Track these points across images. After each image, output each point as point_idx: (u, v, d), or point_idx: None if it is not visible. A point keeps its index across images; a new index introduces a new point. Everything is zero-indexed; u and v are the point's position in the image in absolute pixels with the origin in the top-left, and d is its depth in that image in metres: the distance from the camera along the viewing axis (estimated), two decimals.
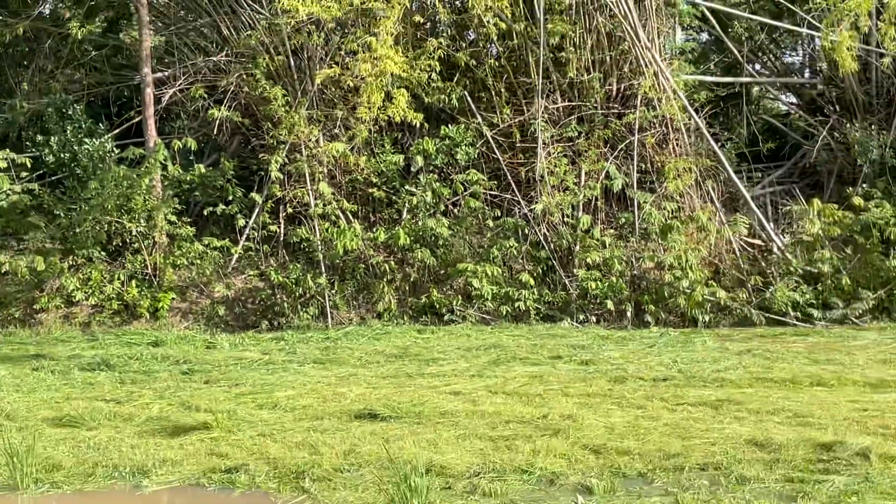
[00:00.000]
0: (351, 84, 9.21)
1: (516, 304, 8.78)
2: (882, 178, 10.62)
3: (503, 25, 9.78)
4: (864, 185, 10.35)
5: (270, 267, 9.15)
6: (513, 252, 9.64)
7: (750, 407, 4.50)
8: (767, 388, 5.16)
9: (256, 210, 9.56)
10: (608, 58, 9.89)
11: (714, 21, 10.76)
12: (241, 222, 9.72)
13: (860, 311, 9.25)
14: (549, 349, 7.05)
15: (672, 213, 9.75)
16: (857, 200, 10.04)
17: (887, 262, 9.33)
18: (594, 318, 9.34)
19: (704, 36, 11.76)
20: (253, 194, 9.70)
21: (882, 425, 3.98)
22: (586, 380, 5.61)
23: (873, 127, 10.44)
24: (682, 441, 3.65)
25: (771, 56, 12.61)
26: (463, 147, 10.03)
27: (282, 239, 9.43)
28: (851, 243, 10.01)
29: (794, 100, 12.02)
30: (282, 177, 8.99)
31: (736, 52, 10.67)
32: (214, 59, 10.35)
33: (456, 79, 10.04)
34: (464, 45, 9.72)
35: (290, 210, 9.11)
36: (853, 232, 9.95)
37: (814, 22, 9.90)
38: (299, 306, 9.45)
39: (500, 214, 9.66)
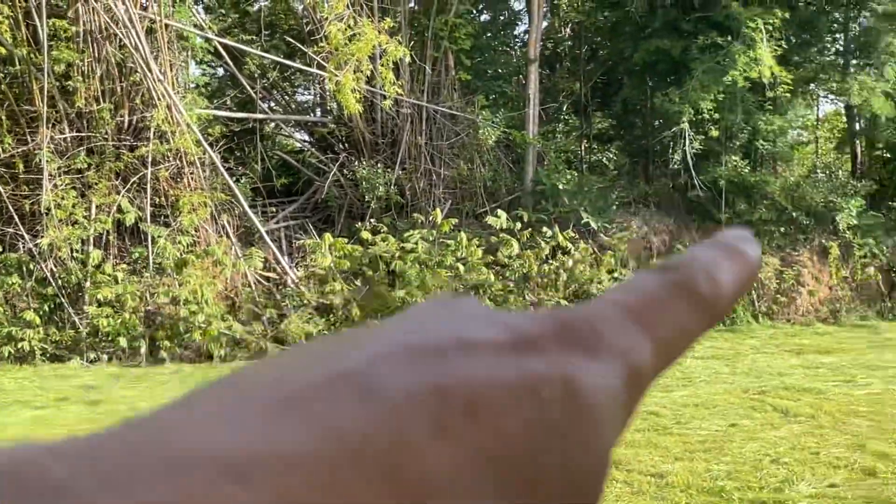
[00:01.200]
0: None
1: (20, 345, 15.09)
2: (388, 213, 21.80)
3: (3, 50, 17.52)
4: (372, 220, 21.07)
5: None
6: (16, 289, 16.70)
7: None
8: None
9: None
10: (119, 89, 18.45)
11: (228, 57, 21.03)
12: None
13: None
14: (55, 391, 12.88)
15: (187, 248, 17.94)
16: (366, 234, 20.44)
17: (393, 292, 20.58)
18: (106, 357, 17.40)
19: (220, 71, 22.01)
20: None
21: None
22: (95, 421, 9.66)
23: (379, 165, 21.51)
24: None
25: (285, 94, 22.32)
26: None
27: None
28: (361, 275, 21.09)
29: (307, 137, 23.10)
30: None
31: (249, 88, 21.13)
32: None
33: None
34: None
35: None
36: (362, 265, 20.88)
37: (323, 63, 20.67)
38: None
39: (2, 250, 16.50)
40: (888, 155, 25.50)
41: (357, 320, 18.32)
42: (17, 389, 13.44)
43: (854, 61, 25.09)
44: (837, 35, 25.74)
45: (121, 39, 17.08)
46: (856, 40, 25.10)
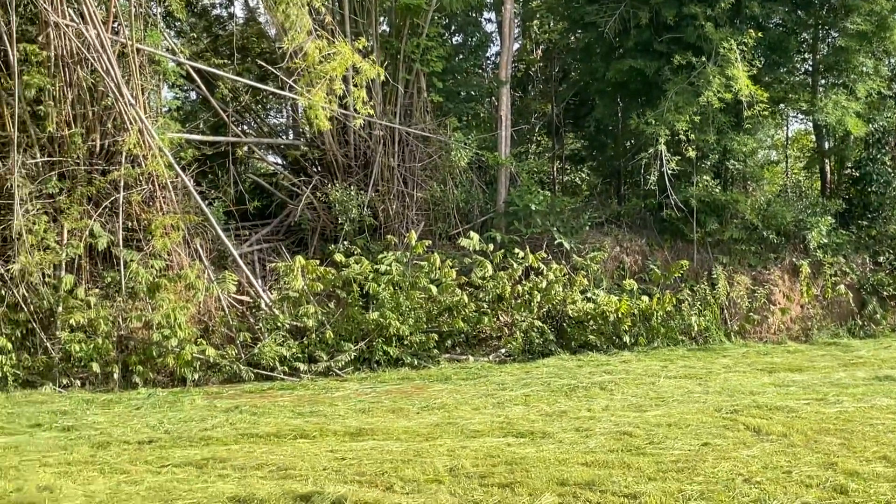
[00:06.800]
0: None
1: None
2: (361, 235, 21.90)
3: None
4: (345, 243, 20.82)
5: None
6: None
7: (234, 464, 8.83)
8: (253, 444, 10.26)
9: None
10: (91, 113, 18.59)
11: (200, 81, 21.35)
12: None
13: (343, 363, 19.58)
14: (27, 417, 12.96)
15: (160, 272, 17.64)
16: (339, 257, 20.02)
17: (366, 315, 20.27)
18: (79, 382, 16.07)
19: (193, 95, 22.35)
20: None
21: (358, 472, 8.27)
22: (67, 447, 10.21)
23: (352, 187, 21.95)
24: None
25: (257, 117, 22.57)
26: None
27: None
28: (334, 298, 20.81)
29: (280, 160, 23.40)
30: None
31: (222, 112, 21.42)
32: None
33: None
34: None
35: None
36: (335, 287, 20.67)
37: (295, 86, 21.18)
38: None
39: None
40: (857, 174, 26.17)
41: (331, 343, 18.45)
42: None
43: (823, 80, 25.76)
44: (806, 55, 26.29)
45: (92, 64, 17.27)
46: (825, 59, 25.65)
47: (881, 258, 24.91)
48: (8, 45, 16.40)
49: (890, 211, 25.20)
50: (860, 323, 24.00)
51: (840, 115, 22.38)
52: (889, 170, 25.33)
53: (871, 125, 24.32)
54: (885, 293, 24.36)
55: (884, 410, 12.03)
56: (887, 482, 7.89)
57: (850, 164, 26.53)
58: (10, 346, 16.04)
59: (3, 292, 16.44)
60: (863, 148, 25.36)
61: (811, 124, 26.84)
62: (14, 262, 16.30)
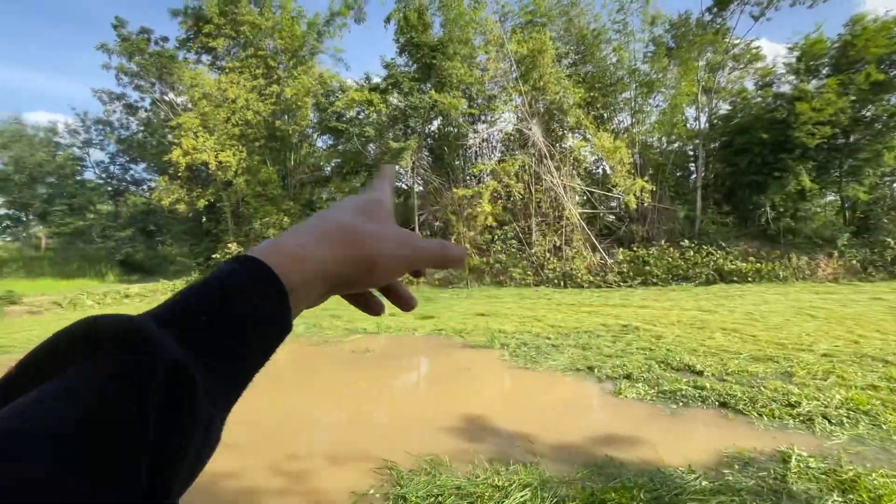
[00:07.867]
0: None
1: None
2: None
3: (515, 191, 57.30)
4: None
5: None
6: None
7: (603, 311, 19.67)
8: (624, 309, 20.64)
9: None
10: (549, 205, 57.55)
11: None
12: None
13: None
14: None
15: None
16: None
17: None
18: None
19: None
20: None
21: (647, 321, 17.09)
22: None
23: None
24: None
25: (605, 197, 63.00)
26: None
27: None
28: None
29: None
30: None
31: (591, 198, 58.86)
32: None
33: None
34: None
35: None
36: None
37: (622, 196, 58.31)
38: None
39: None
40: None
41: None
42: None
43: None
44: None
45: (552, 191, 55.95)
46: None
47: None
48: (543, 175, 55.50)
49: None
50: None
51: None
52: None
53: None
54: None
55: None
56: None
57: None
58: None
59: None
60: None
61: None
62: (535, 247, 54.95)
